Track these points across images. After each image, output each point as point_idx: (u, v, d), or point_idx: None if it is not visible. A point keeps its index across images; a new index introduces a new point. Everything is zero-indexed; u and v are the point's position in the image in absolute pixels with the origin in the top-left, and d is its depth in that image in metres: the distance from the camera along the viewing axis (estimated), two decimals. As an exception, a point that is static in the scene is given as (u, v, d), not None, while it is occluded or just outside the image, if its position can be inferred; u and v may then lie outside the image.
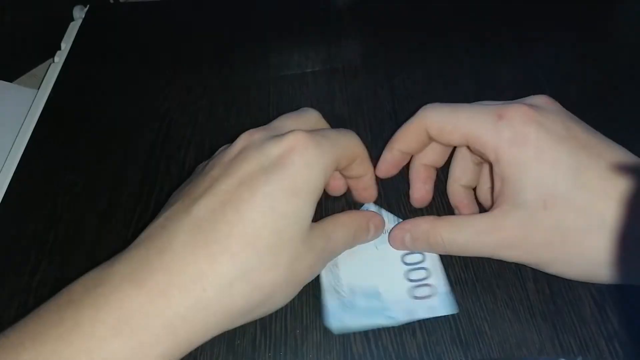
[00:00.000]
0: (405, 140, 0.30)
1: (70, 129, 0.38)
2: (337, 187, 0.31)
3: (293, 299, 0.28)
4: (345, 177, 0.30)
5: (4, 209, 0.33)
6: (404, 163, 0.31)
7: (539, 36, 0.42)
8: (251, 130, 0.26)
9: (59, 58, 0.43)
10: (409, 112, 0.37)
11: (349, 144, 0.27)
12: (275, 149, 0.24)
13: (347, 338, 0.27)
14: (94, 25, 0.47)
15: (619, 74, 0.39)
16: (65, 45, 0.45)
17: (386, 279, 0.28)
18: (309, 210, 0.24)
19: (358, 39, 0.43)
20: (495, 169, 0.26)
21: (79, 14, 0.47)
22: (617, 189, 0.23)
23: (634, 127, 0.35)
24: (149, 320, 0.20)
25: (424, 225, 0.27)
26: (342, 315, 0.27)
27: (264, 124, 0.27)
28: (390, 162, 0.31)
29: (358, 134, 0.36)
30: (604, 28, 0.44)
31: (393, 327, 0.27)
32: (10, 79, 0.49)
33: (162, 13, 0.47)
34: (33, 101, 0.40)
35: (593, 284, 0.28)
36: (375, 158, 0.34)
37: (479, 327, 0.27)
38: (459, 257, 0.29)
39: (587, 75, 0.39)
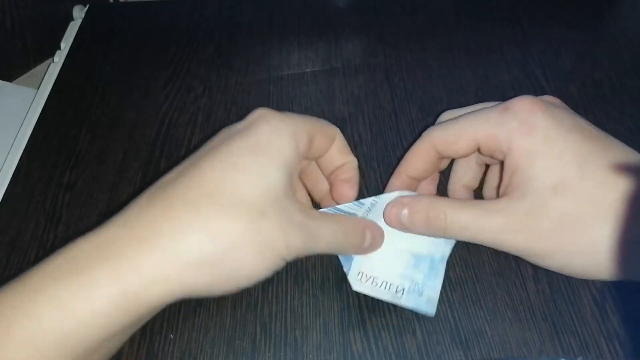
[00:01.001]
0: (413, 164, 0.28)
1: (69, 128, 0.38)
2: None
3: (293, 300, 0.28)
4: (325, 172, 0.29)
5: (4, 209, 0.33)
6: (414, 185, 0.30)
7: (538, 36, 0.42)
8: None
9: (59, 58, 0.43)
10: (409, 112, 0.37)
11: (321, 122, 0.27)
12: (242, 122, 0.25)
13: (347, 338, 0.27)
14: (93, 25, 0.47)
15: (619, 74, 0.39)
16: (65, 45, 0.44)
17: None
18: (276, 173, 0.23)
19: (358, 39, 0.43)
20: (506, 161, 0.25)
21: (78, 13, 0.47)
22: (623, 182, 0.23)
23: (634, 127, 0.35)
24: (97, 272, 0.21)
25: (425, 199, 0.26)
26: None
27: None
28: (399, 188, 0.29)
29: (358, 133, 0.36)
30: (604, 28, 0.44)
31: (393, 327, 0.27)
32: (10, 78, 0.49)
33: (162, 13, 0.47)
34: (33, 101, 0.40)
35: (593, 284, 0.28)
36: (375, 158, 0.34)
37: (479, 327, 0.27)
38: (460, 257, 0.29)
39: (587, 75, 0.39)
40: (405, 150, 0.35)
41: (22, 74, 0.50)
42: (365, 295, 0.28)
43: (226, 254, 0.22)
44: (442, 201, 0.26)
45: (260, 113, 0.25)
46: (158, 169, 0.35)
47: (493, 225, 0.24)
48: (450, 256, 0.27)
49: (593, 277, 0.25)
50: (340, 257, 0.28)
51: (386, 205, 0.27)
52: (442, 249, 0.27)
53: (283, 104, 0.38)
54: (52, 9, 0.50)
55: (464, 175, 0.30)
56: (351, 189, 0.28)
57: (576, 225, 0.23)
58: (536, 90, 0.38)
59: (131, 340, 0.27)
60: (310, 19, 0.45)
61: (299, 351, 0.26)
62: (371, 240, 0.27)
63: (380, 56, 0.42)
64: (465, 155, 0.28)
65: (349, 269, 0.27)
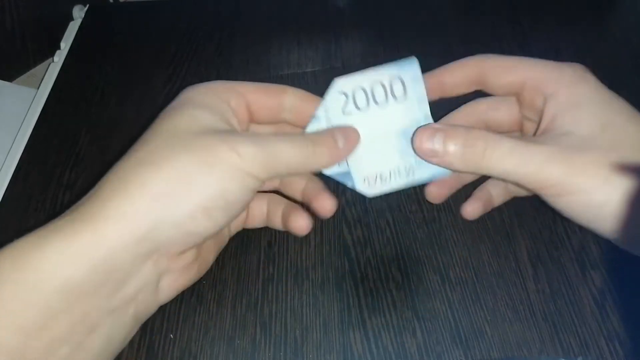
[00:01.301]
0: (452, 70, 0.27)
1: (69, 128, 0.38)
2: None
3: (293, 300, 0.28)
4: (294, 196, 0.29)
5: (4, 209, 0.33)
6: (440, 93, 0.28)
7: (539, 35, 0.42)
8: None
9: (59, 58, 0.43)
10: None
11: (263, 84, 0.27)
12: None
13: (347, 338, 0.27)
14: (93, 25, 0.47)
15: (620, 74, 0.39)
16: (65, 44, 0.44)
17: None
18: (200, 112, 0.24)
19: (358, 39, 0.43)
20: (548, 105, 0.25)
21: (78, 13, 0.47)
22: None
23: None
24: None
25: (460, 127, 0.24)
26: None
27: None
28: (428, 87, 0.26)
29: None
30: (605, 27, 0.43)
31: (393, 327, 0.27)
32: (9, 78, 0.49)
33: (162, 13, 0.47)
34: (32, 101, 0.40)
35: (594, 284, 0.28)
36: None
37: (479, 326, 0.27)
38: (460, 257, 0.29)
39: (587, 74, 0.39)
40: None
41: (22, 74, 0.50)
42: (365, 295, 0.28)
43: (164, 171, 0.22)
44: (480, 130, 0.24)
45: (185, 89, 0.26)
46: (158, 169, 0.35)
47: (538, 153, 0.22)
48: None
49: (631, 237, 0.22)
50: (337, 178, 0.26)
51: (416, 129, 0.25)
52: (420, 111, 0.26)
53: (283, 104, 0.38)
54: (52, 8, 0.50)
55: (454, 77, 0.28)
56: (329, 200, 0.27)
57: (628, 153, 0.22)
58: (536, 90, 0.38)
59: (131, 340, 0.27)
60: (310, 19, 0.45)
61: (298, 351, 0.26)
62: (344, 139, 0.25)
63: (381, 55, 0.42)
64: (505, 93, 0.27)
65: (353, 183, 0.26)
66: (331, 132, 0.26)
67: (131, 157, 0.23)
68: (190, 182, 0.22)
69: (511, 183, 0.25)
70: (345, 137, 0.25)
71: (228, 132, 0.24)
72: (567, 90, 0.24)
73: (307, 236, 0.30)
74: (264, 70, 0.41)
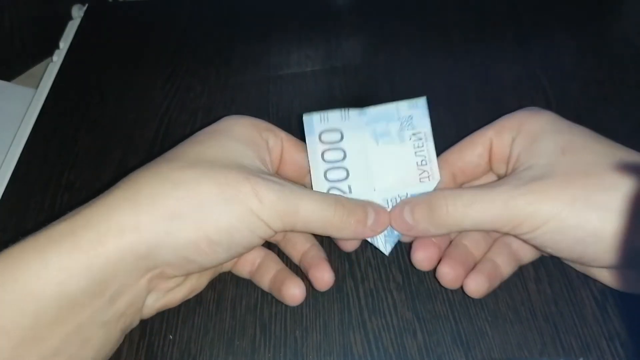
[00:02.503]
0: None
1: (68, 128, 0.38)
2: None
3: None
4: (294, 258, 0.28)
5: (3, 209, 0.33)
6: None
7: (539, 35, 0.42)
8: None
9: (58, 57, 0.43)
10: (410, 112, 0.37)
11: (274, 128, 0.28)
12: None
13: (348, 339, 0.27)
14: (92, 25, 0.47)
15: (620, 74, 0.39)
16: (64, 44, 0.44)
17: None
18: (235, 144, 0.24)
19: (358, 38, 0.43)
20: (514, 145, 0.25)
21: (77, 13, 0.47)
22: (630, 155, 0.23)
23: (635, 127, 0.35)
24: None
25: (426, 194, 0.26)
26: None
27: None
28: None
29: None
30: (605, 27, 0.43)
31: (394, 328, 0.27)
32: (8, 78, 0.49)
33: (161, 12, 0.47)
34: (31, 100, 0.40)
35: (595, 285, 0.28)
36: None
37: (480, 327, 0.27)
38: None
39: (587, 74, 0.39)
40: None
41: (20, 74, 0.50)
42: (365, 296, 0.28)
43: (183, 196, 0.21)
44: (442, 190, 0.25)
45: (226, 116, 0.27)
46: (157, 169, 0.35)
47: (500, 193, 0.22)
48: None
49: (600, 253, 0.22)
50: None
51: (391, 208, 0.26)
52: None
53: (283, 103, 0.38)
54: (50, 8, 0.50)
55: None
56: (328, 273, 0.26)
57: (587, 176, 0.22)
58: (537, 90, 0.38)
59: (130, 340, 0.27)
60: (310, 18, 0.45)
61: (298, 352, 0.26)
62: (375, 216, 0.25)
63: (381, 55, 0.42)
64: (479, 164, 0.27)
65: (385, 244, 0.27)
66: (364, 205, 0.25)
67: (151, 169, 0.23)
68: (203, 209, 0.21)
69: (490, 231, 0.26)
70: (377, 216, 0.25)
71: (256, 172, 0.23)
72: (526, 128, 0.25)
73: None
74: (264, 70, 0.41)
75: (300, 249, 0.27)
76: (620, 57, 0.40)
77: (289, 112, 0.38)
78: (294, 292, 0.26)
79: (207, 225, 0.21)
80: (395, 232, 0.26)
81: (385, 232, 0.26)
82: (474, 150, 0.27)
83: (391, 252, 0.27)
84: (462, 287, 0.28)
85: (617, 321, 0.26)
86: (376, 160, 0.27)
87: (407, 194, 0.26)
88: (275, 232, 0.23)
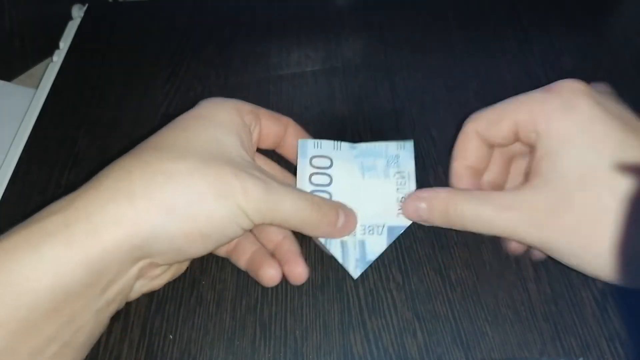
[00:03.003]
0: (463, 153, 0.27)
1: (68, 128, 0.38)
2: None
3: (293, 301, 0.28)
4: (266, 246, 0.28)
5: (3, 209, 0.33)
6: (479, 177, 0.28)
7: (539, 35, 0.42)
8: None
9: (58, 57, 0.43)
10: (409, 112, 0.37)
11: (271, 111, 0.29)
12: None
13: (347, 339, 0.27)
14: (92, 24, 0.46)
15: (620, 74, 0.39)
16: (64, 44, 0.44)
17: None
18: (221, 131, 0.24)
19: (358, 39, 0.43)
20: (538, 145, 0.24)
21: (77, 13, 0.47)
22: None
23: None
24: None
25: (442, 194, 0.26)
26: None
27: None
28: (460, 176, 0.27)
29: (358, 133, 0.36)
30: (605, 27, 0.43)
31: (393, 328, 0.27)
32: (8, 78, 0.49)
33: (161, 12, 0.47)
34: (31, 100, 0.40)
35: (595, 285, 0.28)
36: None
37: (480, 327, 0.27)
38: (460, 257, 0.29)
39: (587, 74, 0.39)
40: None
41: (20, 74, 0.50)
42: (365, 296, 0.28)
43: (178, 189, 0.22)
44: (459, 196, 0.25)
45: (206, 100, 0.27)
46: (157, 169, 0.35)
47: (510, 220, 0.23)
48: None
49: (614, 281, 0.23)
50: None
51: (405, 198, 0.27)
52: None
53: (283, 104, 0.38)
54: (50, 8, 0.50)
55: (470, 155, 0.27)
56: (301, 267, 0.27)
57: (600, 223, 0.22)
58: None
59: (130, 340, 0.27)
60: (310, 18, 0.45)
61: (298, 352, 0.26)
62: (345, 219, 0.26)
63: (381, 55, 0.42)
64: (506, 143, 0.27)
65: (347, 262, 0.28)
66: (336, 208, 0.26)
67: (140, 157, 0.23)
68: (197, 204, 0.22)
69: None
70: (346, 219, 0.27)
71: (242, 165, 0.24)
72: (556, 127, 0.24)
73: (307, 237, 0.30)
74: (264, 70, 0.41)
75: (274, 238, 0.28)
76: (620, 57, 0.40)
77: (288, 112, 0.37)
78: (270, 274, 0.27)
79: (201, 219, 0.22)
80: (367, 259, 0.27)
81: (358, 256, 0.27)
82: (498, 132, 0.26)
83: (389, 253, 0.27)
84: (462, 288, 0.28)
85: (617, 321, 0.27)
86: (360, 190, 0.28)
87: (384, 225, 0.28)
88: (254, 225, 0.24)
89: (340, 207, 0.27)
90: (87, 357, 0.26)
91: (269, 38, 0.44)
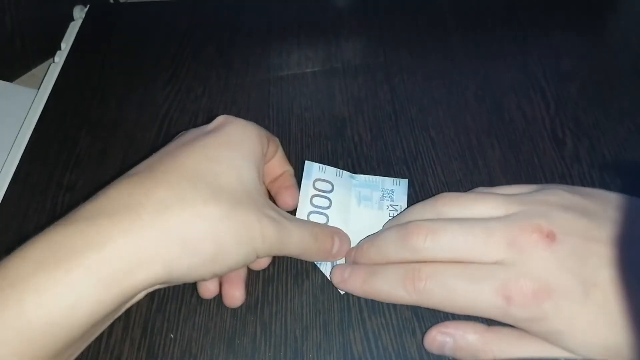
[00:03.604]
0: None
1: (70, 129, 0.38)
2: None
3: (293, 300, 0.28)
4: (265, 179, 0.31)
5: (4, 209, 0.33)
6: None
7: (538, 36, 0.42)
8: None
9: (59, 58, 0.43)
10: (409, 112, 0.37)
11: (268, 133, 0.29)
12: (211, 124, 0.27)
13: (347, 338, 0.27)
14: (94, 25, 0.47)
15: (619, 74, 0.39)
16: (66, 45, 0.45)
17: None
18: (248, 168, 0.25)
19: (358, 40, 0.43)
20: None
21: (79, 14, 0.47)
22: None
23: (634, 128, 0.35)
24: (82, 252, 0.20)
25: (471, 336, 0.25)
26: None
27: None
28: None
29: (358, 134, 0.36)
30: (604, 28, 0.44)
31: (393, 327, 0.27)
32: (10, 79, 0.49)
33: (162, 13, 0.47)
34: (33, 101, 0.40)
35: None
36: (374, 159, 0.34)
37: (462, 320, 0.27)
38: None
39: (586, 75, 0.39)
40: (405, 150, 0.35)
41: (22, 75, 0.50)
42: (365, 295, 0.28)
43: (208, 235, 0.22)
44: (489, 340, 0.24)
45: (226, 118, 0.27)
46: (158, 169, 0.35)
47: (541, 350, 0.23)
48: None
49: None
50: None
51: (430, 329, 0.26)
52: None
53: (283, 104, 0.38)
54: (52, 9, 0.50)
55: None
56: (292, 197, 0.30)
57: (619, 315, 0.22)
58: (536, 91, 0.38)
59: (132, 339, 0.27)
60: (310, 19, 0.45)
61: (298, 351, 0.26)
62: (339, 246, 0.28)
63: (380, 56, 0.42)
64: None
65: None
66: (332, 235, 0.28)
67: (172, 189, 0.22)
68: (221, 248, 0.22)
69: None
70: (340, 244, 0.28)
71: (262, 204, 0.24)
72: (534, 330, 0.24)
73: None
74: (265, 71, 0.41)
75: None
76: (618, 58, 0.40)
77: (289, 112, 0.38)
78: (235, 296, 0.27)
79: (218, 260, 0.23)
80: None
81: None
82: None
83: None
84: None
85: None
86: (354, 217, 0.30)
87: None
88: None
89: (335, 234, 0.28)
90: (87, 357, 0.26)
91: (269, 39, 0.44)
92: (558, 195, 0.25)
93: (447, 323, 0.26)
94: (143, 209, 0.21)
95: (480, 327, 0.25)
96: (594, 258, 0.23)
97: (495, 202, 0.26)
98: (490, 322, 0.25)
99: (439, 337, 0.25)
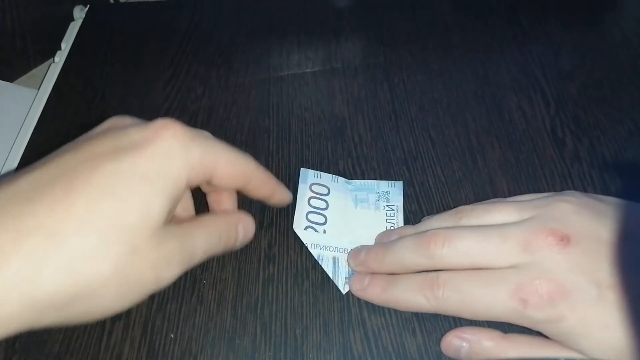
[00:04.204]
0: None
1: (70, 129, 0.38)
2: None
3: (293, 300, 0.28)
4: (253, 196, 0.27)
5: (5, 209, 0.33)
6: None
7: (538, 36, 0.42)
8: (124, 115, 0.24)
9: (59, 58, 0.43)
10: (409, 112, 0.37)
11: (238, 159, 0.24)
12: (138, 133, 0.21)
13: (347, 338, 0.27)
14: (94, 26, 0.47)
15: (619, 73, 0.39)
16: (66, 45, 0.45)
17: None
18: (161, 204, 0.20)
19: (357, 40, 0.44)
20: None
21: (79, 14, 0.47)
22: None
23: (634, 128, 0.35)
24: None
25: (487, 342, 0.25)
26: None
27: (264, 124, 0.27)
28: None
29: (358, 134, 0.36)
30: (604, 28, 0.44)
31: (393, 327, 0.27)
32: (10, 79, 0.49)
33: (162, 13, 0.47)
34: (33, 101, 0.41)
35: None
36: (374, 159, 0.34)
37: (479, 326, 0.27)
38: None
39: (587, 75, 0.39)
40: (405, 150, 0.35)
41: (22, 75, 0.50)
42: (365, 295, 0.28)
43: (86, 296, 0.19)
44: (504, 347, 0.24)
45: (161, 129, 0.22)
46: (158, 169, 0.35)
47: (557, 352, 0.24)
48: None
49: None
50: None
51: (447, 333, 0.26)
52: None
53: (283, 104, 0.38)
54: (52, 9, 0.50)
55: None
56: (286, 197, 0.29)
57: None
58: (536, 91, 0.38)
59: (132, 339, 0.27)
60: (310, 19, 0.45)
61: (298, 351, 0.26)
62: (243, 233, 0.26)
63: (380, 56, 0.42)
64: None
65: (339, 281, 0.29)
66: (236, 225, 0.26)
67: (28, 223, 0.18)
68: (87, 306, 0.19)
69: None
70: (244, 231, 0.26)
71: (162, 241, 0.21)
72: (550, 330, 0.24)
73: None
74: (265, 71, 0.41)
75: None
76: (618, 57, 0.40)
77: (289, 112, 0.38)
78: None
79: (91, 314, 0.20)
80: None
81: (347, 274, 0.29)
82: None
83: None
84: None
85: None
86: (352, 218, 0.31)
87: None
88: None
89: (240, 222, 0.26)
90: (88, 356, 0.26)
91: (269, 39, 0.44)
92: (571, 200, 0.26)
93: (464, 328, 0.26)
94: (7, 257, 0.17)
95: (497, 334, 0.25)
96: (608, 260, 0.23)
97: (509, 209, 0.26)
98: (508, 329, 0.25)
99: (455, 341, 0.25)
